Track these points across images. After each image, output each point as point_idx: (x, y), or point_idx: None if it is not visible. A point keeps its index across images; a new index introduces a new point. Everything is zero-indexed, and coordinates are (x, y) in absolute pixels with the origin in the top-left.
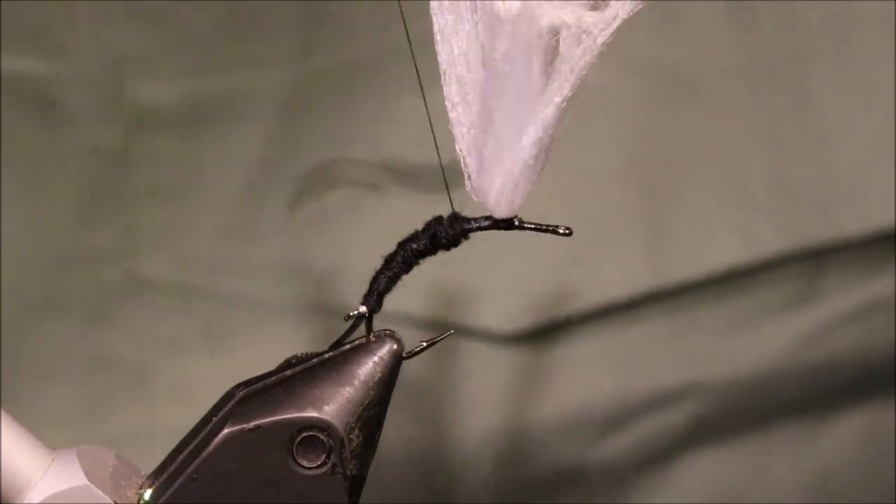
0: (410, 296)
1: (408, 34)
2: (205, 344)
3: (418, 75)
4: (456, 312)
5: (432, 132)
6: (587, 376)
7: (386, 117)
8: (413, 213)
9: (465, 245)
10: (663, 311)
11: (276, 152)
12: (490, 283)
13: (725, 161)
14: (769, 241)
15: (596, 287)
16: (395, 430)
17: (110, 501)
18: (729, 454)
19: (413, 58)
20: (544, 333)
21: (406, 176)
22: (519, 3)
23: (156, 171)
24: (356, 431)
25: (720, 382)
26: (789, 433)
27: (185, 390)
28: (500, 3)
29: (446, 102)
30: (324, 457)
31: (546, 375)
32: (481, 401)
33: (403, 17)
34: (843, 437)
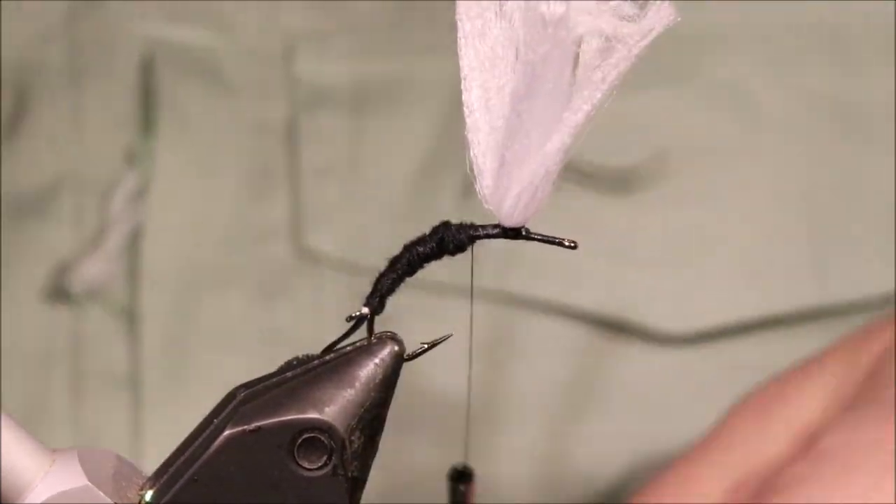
0: (581, 288)
1: None
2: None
3: None
4: (626, 310)
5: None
6: (743, 383)
7: None
8: (587, 210)
9: (640, 247)
10: (823, 330)
11: (448, 138)
12: (661, 286)
13: (886, 195)
14: None
15: (762, 300)
16: (540, 429)
17: (111, 502)
18: None
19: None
20: (707, 338)
21: (583, 175)
22: (564, 6)
23: (324, 150)
24: (357, 433)
25: None
26: None
27: None
28: (545, 5)
29: (464, 108)
30: (325, 458)
31: (704, 378)
32: (637, 400)
33: None
34: None
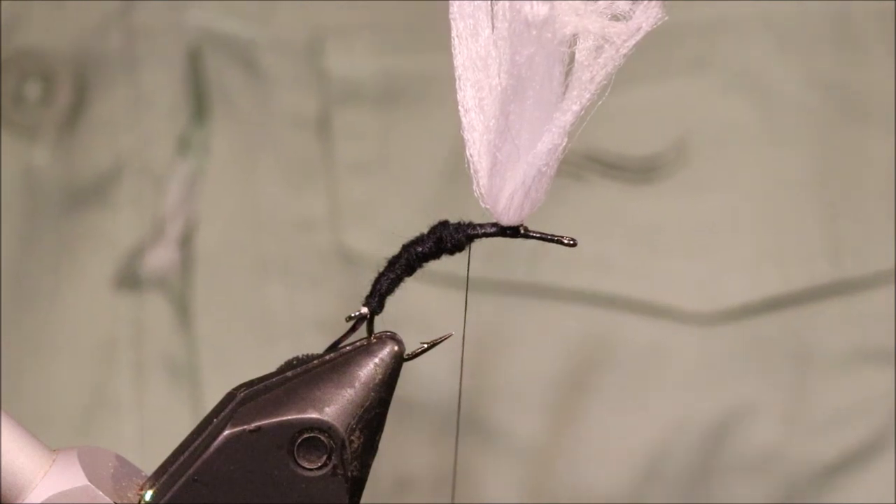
0: (608, 274)
1: None
2: (417, 323)
3: None
4: (652, 291)
5: None
6: (766, 359)
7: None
8: (611, 202)
9: (664, 232)
10: (838, 305)
11: None
12: (686, 268)
13: (891, 176)
14: None
15: (781, 279)
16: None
17: (111, 502)
18: None
19: None
20: (732, 317)
21: (607, 167)
22: (547, 8)
23: (358, 145)
24: (357, 433)
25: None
26: None
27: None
28: (528, 7)
29: (459, 107)
30: (325, 458)
31: (730, 356)
32: (666, 378)
33: None
34: None
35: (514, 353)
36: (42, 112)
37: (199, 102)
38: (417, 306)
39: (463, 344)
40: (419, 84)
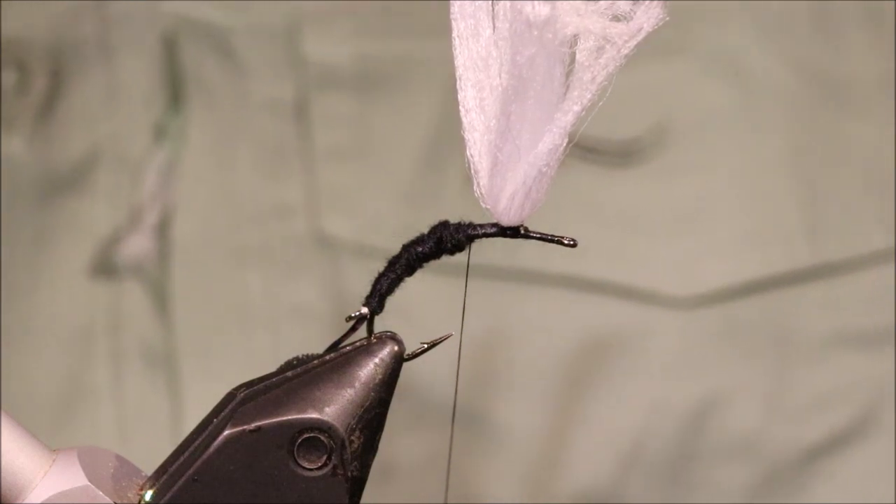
0: (589, 259)
1: None
2: (398, 308)
3: None
4: (632, 276)
5: None
6: (746, 342)
7: None
8: (590, 186)
9: (644, 216)
10: (817, 289)
11: (454, 119)
12: (665, 252)
13: (870, 159)
14: None
15: (760, 262)
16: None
17: (111, 502)
18: None
19: None
20: (711, 300)
21: (586, 151)
22: (548, 8)
23: (335, 131)
24: (357, 433)
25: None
26: None
27: None
28: (529, 7)
29: (460, 107)
30: (325, 458)
31: (710, 339)
32: (646, 362)
33: None
34: None
35: (492, 338)
36: (17, 101)
37: (175, 90)
38: (399, 292)
39: (460, 346)
40: (397, 69)
